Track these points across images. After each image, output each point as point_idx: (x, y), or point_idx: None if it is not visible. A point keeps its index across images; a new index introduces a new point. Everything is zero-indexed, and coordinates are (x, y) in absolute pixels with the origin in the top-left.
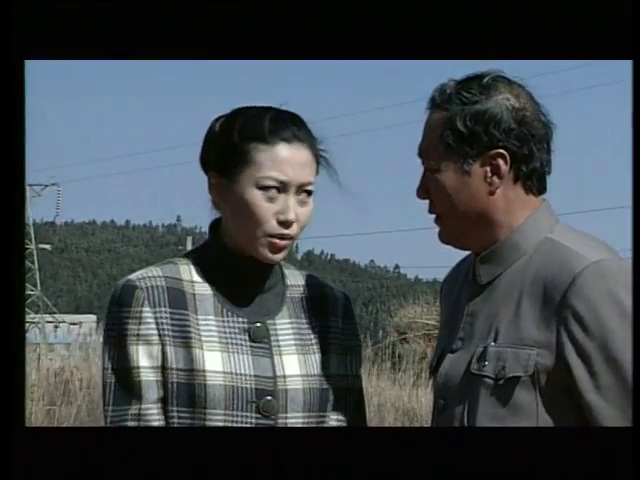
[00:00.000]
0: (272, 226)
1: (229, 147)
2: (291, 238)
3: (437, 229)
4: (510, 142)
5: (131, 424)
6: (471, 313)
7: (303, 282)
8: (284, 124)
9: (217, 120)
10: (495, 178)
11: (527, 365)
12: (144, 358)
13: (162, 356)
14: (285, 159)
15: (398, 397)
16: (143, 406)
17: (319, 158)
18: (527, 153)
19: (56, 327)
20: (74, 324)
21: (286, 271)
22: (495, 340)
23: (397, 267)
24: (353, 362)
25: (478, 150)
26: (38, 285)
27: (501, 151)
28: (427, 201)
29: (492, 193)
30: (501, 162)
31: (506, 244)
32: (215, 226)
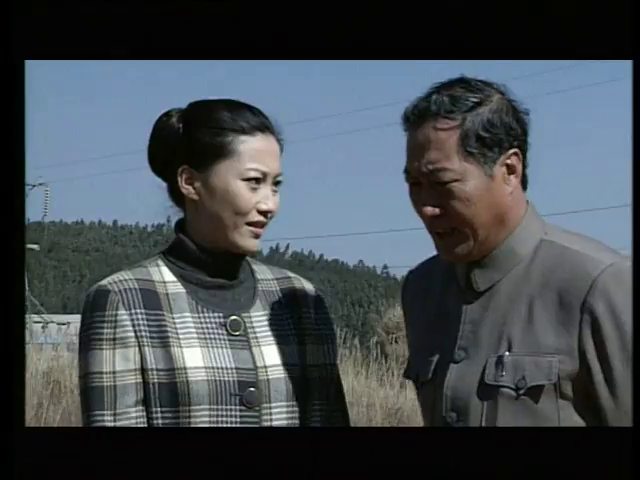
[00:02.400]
0: (253, 215)
1: (205, 140)
2: (264, 226)
3: (438, 244)
4: (520, 139)
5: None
6: (470, 321)
7: (272, 276)
8: (255, 115)
9: (169, 116)
10: (512, 177)
11: (550, 373)
12: (120, 362)
13: (140, 358)
14: (263, 150)
15: (386, 397)
16: (119, 410)
17: (281, 147)
18: (526, 148)
19: (44, 327)
20: (62, 324)
21: (254, 266)
22: (509, 349)
23: (385, 267)
24: (329, 351)
25: (499, 153)
26: (26, 285)
27: (515, 150)
28: (419, 215)
29: (511, 193)
30: (516, 160)
31: (503, 250)
32: (181, 225)
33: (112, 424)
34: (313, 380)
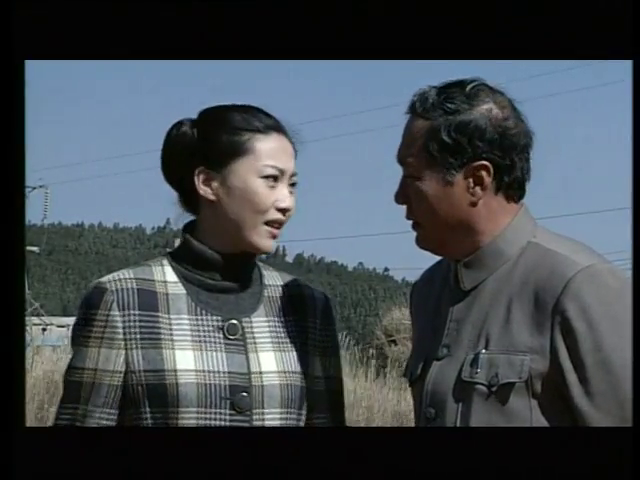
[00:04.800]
0: (272, 213)
1: (221, 141)
2: (282, 225)
3: (415, 234)
4: (493, 153)
5: (76, 423)
6: (455, 319)
7: (281, 282)
8: (268, 116)
9: (181, 124)
10: (478, 189)
11: (521, 371)
12: (103, 361)
13: (127, 361)
14: (280, 148)
15: (387, 399)
16: (89, 407)
17: (295, 149)
18: (509, 164)
19: (44, 330)
20: (62, 326)
21: (264, 272)
22: (486, 347)
23: (386, 270)
24: (332, 364)
25: (461, 161)
26: (26, 287)
27: (484, 163)
28: (404, 206)
29: (474, 204)
30: (484, 173)
31: (489, 250)
32: (190, 228)
33: (81, 419)
34: (313, 391)
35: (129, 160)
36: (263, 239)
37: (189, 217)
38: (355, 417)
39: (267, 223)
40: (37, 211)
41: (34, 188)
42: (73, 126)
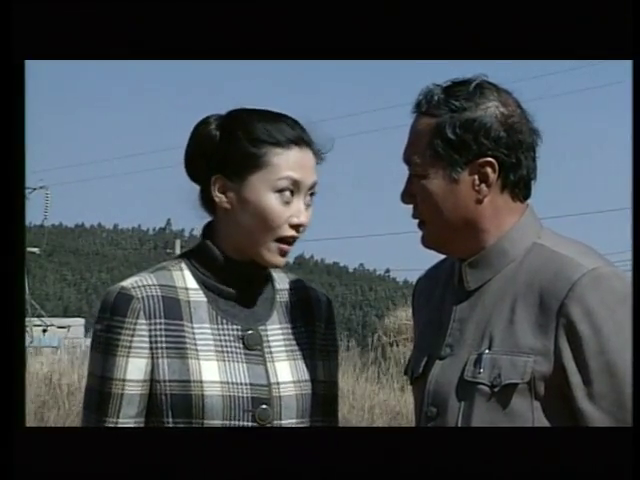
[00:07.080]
0: (285, 230)
1: (240, 151)
2: (295, 241)
3: (420, 233)
4: (499, 151)
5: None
6: (459, 319)
7: (290, 285)
8: (292, 128)
9: (207, 124)
10: (483, 186)
11: (524, 372)
12: (132, 371)
13: (152, 369)
14: (298, 162)
15: (387, 400)
16: (121, 420)
17: (318, 159)
18: (515, 161)
19: (44, 330)
20: (62, 327)
21: (274, 274)
22: (489, 347)
23: (388, 271)
24: (331, 368)
25: (467, 158)
26: (26, 288)
27: (490, 160)
28: (411, 205)
29: (480, 201)
30: (489, 170)
31: (494, 250)
32: (208, 229)
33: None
34: (319, 396)
35: (130, 161)
36: (272, 256)
37: (208, 215)
38: (355, 417)
39: (278, 240)
40: (37, 212)
41: (34, 189)
42: (74, 127)
